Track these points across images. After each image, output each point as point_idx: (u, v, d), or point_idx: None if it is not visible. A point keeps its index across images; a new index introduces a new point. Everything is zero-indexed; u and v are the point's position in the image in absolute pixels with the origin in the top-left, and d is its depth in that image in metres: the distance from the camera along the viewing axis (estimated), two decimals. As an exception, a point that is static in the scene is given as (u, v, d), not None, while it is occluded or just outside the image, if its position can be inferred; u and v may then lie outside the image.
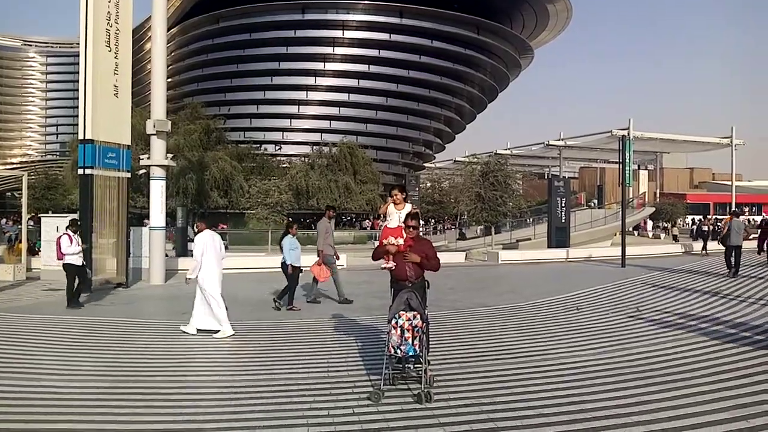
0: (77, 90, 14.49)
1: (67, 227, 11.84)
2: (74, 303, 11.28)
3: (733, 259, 15.22)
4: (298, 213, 52.07)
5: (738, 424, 4.62)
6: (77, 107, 14.50)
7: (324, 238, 11.51)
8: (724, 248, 15.82)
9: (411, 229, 5.83)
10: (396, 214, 6.53)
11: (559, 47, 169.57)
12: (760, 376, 5.99)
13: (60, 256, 11.47)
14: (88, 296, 12.84)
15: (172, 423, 4.83)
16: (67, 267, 11.43)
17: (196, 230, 9.17)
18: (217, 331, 8.44)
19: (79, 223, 12.16)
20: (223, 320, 8.49)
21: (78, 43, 14.25)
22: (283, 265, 11.04)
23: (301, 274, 11.18)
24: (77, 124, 14.35)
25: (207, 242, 8.66)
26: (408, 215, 6.02)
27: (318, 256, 11.48)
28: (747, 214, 54.92)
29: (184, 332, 8.58)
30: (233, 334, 8.38)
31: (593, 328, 8.71)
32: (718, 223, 29.42)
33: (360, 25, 73.58)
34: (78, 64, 14.32)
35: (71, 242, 11.43)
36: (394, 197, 6.68)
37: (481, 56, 78.01)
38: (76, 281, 11.46)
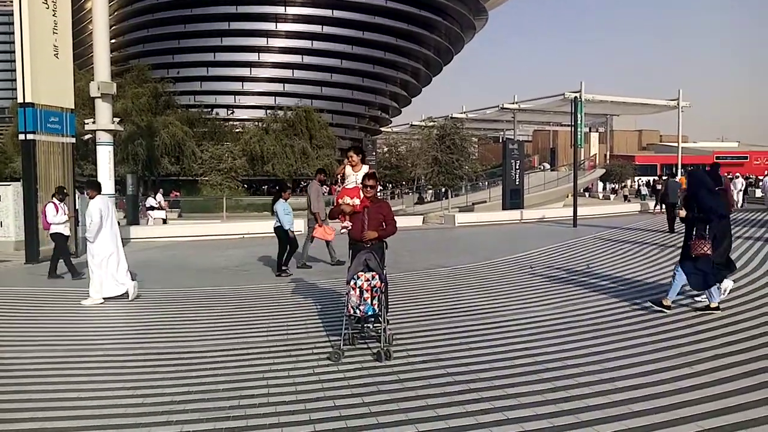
0: (14, 52, 13.72)
1: (53, 195, 11.29)
2: (54, 274, 10.81)
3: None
4: (253, 179, 51.35)
5: (682, 370, 4.88)
6: (15, 70, 13.75)
7: (317, 201, 11.37)
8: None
9: (368, 189, 5.81)
10: (353, 176, 6.53)
11: (512, 10, 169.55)
12: (701, 326, 6.33)
13: (46, 225, 10.95)
14: (35, 266, 12.46)
15: (132, 389, 4.78)
16: (56, 237, 10.90)
17: (88, 197, 8.91)
18: (121, 296, 8.51)
19: (65, 190, 11.58)
20: (95, 287, 8.46)
21: (12, 1, 13.43)
22: (278, 229, 10.86)
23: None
24: (16, 89, 13.64)
25: (102, 207, 8.54)
26: (365, 175, 6.00)
27: (317, 220, 11.13)
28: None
29: (86, 306, 8.35)
30: (102, 303, 8.39)
31: (545, 286, 8.97)
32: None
33: (312, -17, 71.72)
34: (13, 24, 13.52)
35: (57, 211, 10.85)
36: (350, 159, 6.67)
37: (436, 17, 77.42)
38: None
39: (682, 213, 7.07)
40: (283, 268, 10.74)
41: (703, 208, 6.76)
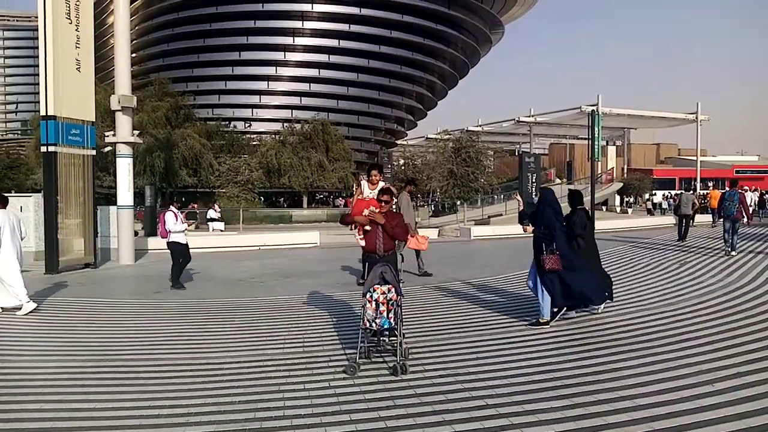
0: (37, 66, 13.99)
1: (170, 203, 11.18)
2: (178, 284, 10.65)
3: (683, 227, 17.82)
4: (270, 191, 51.69)
5: (702, 388, 4.78)
6: (38, 84, 14.02)
7: (408, 211, 11.07)
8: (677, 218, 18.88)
9: (383, 204, 5.90)
10: (371, 194, 6.62)
11: (529, 23, 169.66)
12: (721, 343, 6.20)
13: (164, 233, 10.70)
14: (54, 276, 12.60)
15: (147, 401, 4.79)
16: (172, 245, 10.73)
17: None
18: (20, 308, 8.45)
19: (183, 200, 11.57)
20: (21, 296, 8.45)
21: (36, 17, 13.72)
22: None
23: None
24: (39, 102, 13.89)
25: (5, 219, 8.49)
26: (381, 190, 6.16)
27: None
28: (712, 188, 56.21)
29: None
30: (37, 307, 8.48)
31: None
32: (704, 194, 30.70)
33: (329, -1, 72.45)
34: (37, 38, 13.81)
35: (176, 219, 10.69)
36: (373, 177, 6.82)
37: (452, 31, 77.71)
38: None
39: (528, 228, 7.34)
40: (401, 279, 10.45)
41: (546, 225, 7.02)
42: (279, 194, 54.04)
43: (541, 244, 7.01)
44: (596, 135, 21.12)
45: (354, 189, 7.89)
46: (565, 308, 7.30)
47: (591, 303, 7.35)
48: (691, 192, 22.26)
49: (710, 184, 57.43)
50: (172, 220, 10.64)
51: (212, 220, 26.90)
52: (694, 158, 53.73)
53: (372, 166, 7.36)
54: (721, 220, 15.06)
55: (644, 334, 6.62)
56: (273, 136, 54.02)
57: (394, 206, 6.51)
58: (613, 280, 10.44)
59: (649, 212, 42.00)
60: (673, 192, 42.76)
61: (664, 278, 10.63)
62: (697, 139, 52.69)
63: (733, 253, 13.57)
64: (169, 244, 10.81)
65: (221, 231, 25.25)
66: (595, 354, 5.87)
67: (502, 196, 39.50)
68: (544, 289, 7.04)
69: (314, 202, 57.27)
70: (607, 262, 13.12)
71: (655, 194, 49.35)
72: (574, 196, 7.94)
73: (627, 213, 44.28)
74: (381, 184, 6.63)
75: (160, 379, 5.40)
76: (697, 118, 52.49)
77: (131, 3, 21.43)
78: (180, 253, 10.80)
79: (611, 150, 58.73)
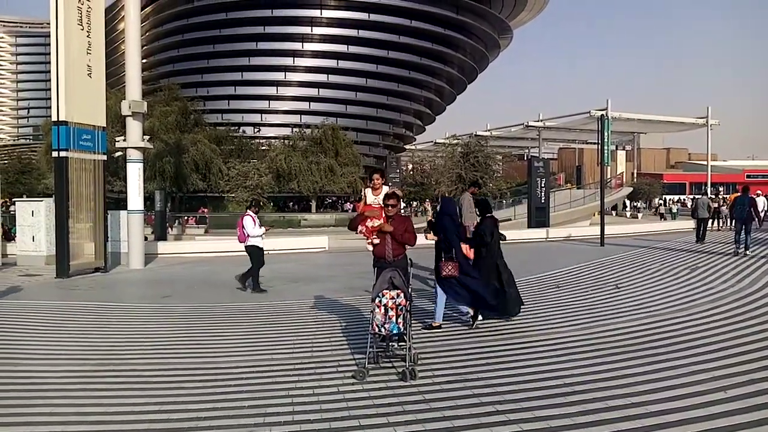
0: (49, 72, 14.12)
1: (248, 208, 11.22)
2: (258, 287, 10.66)
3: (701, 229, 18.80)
4: (279, 196, 51.81)
5: (715, 395, 4.73)
6: (50, 89, 14.14)
7: (469, 213, 10.82)
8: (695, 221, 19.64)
9: (389, 207, 5.97)
10: (375, 200, 6.62)
11: (537, 27, 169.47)
12: (734, 349, 6.13)
13: (243, 238, 10.73)
14: (65, 281, 12.68)
15: (157, 405, 4.80)
16: (251, 249, 10.74)
17: None
18: None
19: (261, 204, 11.56)
20: None
21: (48, 23, 13.86)
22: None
23: None
24: (50, 107, 14.02)
25: None
26: (386, 195, 6.23)
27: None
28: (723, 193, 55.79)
29: None
30: None
31: (573, 305, 8.82)
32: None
33: (338, 4, 72.64)
34: (49, 44, 13.93)
35: (255, 223, 10.72)
36: (375, 181, 6.83)
37: (460, 36, 77.64)
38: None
39: (430, 236, 7.43)
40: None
41: (445, 234, 7.13)
42: (288, 199, 54.12)
43: (441, 252, 7.17)
44: (605, 139, 21.06)
45: (362, 194, 7.89)
46: (480, 317, 7.43)
47: (489, 308, 7.34)
48: (707, 196, 22.74)
49: (720, 188, 57.05)
50: (251, 224, 10.69)
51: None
52: (705, 163, 53.37)
53: (373, 170, 7.39)
54: (734, 222, 16.15)
55: (656, 340, 6.56)
56: (282, 140, 54.19)
57: (402, 210, 6.58)
58: (620, 285, 10.37)
59: (661, 217, 41.71)
60: (682, 197, 42.53)
61: (675, 283, 10.54)
62: (708, 144, 52.36)
63: (747, 252, 14.16)
64: (247, 247, 10.83)
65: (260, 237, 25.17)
66: (606, 360, 5.82)
67: (510, 201, 39.38)
68: (440, 293, 7.24)
69: (323, 206, 57.34)
70: (616, 267, 13.04)
71: (672, 199, 49.10)
72: (482, 205, 8.16)
73: (637, 218, 44.01)
74: (385, 188, 6.63)
75: (169, 384, 5.41)
76: (707, 122, 52.19)
77: (142, 10, 21.63)
78: (258, 256, 10.82)
79: (621, 154, 58.41)
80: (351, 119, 72.68)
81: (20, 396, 5.10)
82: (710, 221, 22.29)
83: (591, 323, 7.52)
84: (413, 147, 79.59)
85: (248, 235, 10.66)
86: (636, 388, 4.92)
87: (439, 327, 7.29)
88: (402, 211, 6.94)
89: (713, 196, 32.13)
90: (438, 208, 7.96)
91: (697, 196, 25.80)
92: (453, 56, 79.50)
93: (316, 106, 73.38)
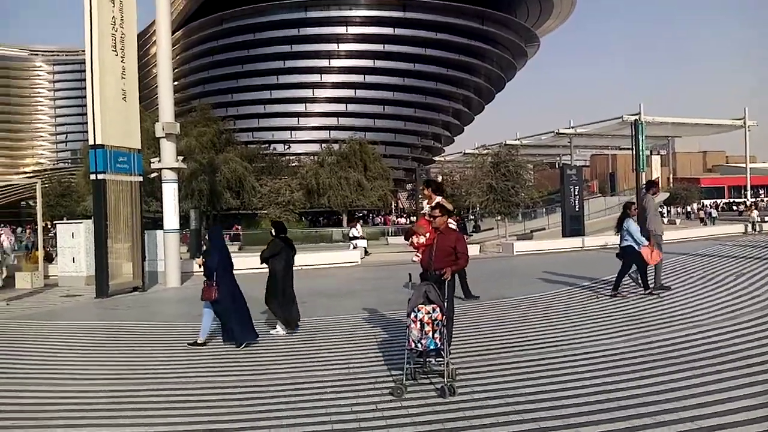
0: (85, 97, 14.52)
1: (356, 220, 11.30)
2: (471, 295, 10.60)
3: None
4: (310, 211, 52.19)
5: (765, 410, 4.50)
6: (86, 114, 14.54)
7: (654, 216, 10.52)
8: None
9: (434, 219, 6.12)
10: (428, 209, 6.73)
11: (565, 34, 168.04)
12: (790, 358, 5.86)
13: None
14: (104, 301, 12.91)
15: (196, 424, 4.80)
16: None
17: None
18: None
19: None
20: None
21: (84, 51, 14.27)
22: (628, 249, 10.09)
23: None
24: (87, 131, 14.40)
25: None
26: (432, 206, 6.35)
27: (648, 239, 10.13)
28: (763, 196, 54.12)
29: None
30: None
31: (615, 316, 8.59)
32: None
33: (363, 20, 73.47)
34: (84, 71, 14.34)
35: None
36: (424, 192, 7.10)
37: (486, 46, 77.60)
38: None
39: (200, 261, 8.06)
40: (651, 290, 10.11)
41: (212, 260, 7.77)
42: (319, 214, 54.48)
43: (211, 275, 7.74)
44: (640, 144, 20.63)
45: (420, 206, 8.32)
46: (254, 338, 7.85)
47: (234, 338, 7.69)
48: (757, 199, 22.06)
49: (761, 191, 55.32)
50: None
51: (355, 237, 27.09)
52: (743, 165, 51.89)
53: (425, 182, 7.80)
54: None
55: (703, 351, 6.32)
56: (312, 157, 54.68)
57: (452, 223, 6.60)
58: (658, 294, 10.05)
59: (702, 222, 40.63)
60: (721, 201, 41.40)
61: (720, 291, 10.19)
62: (746, 146, 50.95)
63: None
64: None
65: (365, 249, 25.12)
66: (653, 373, 5.61)
67: (543, 210, 38.89)
68: (205, 313, 7.87)
69: (353, 220, 57.56)
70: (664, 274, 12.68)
71: (715, 202, 47.83)
72: (276, 226, 9.05)
73: (675, 223, 42.96)
74: (438, 199, 6.76)
75: (207, 402, 5.41)
76: (744, 123, 50.82)
77: (172, 34, 22.14)
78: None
79: (655, 159, 57.25)
80: (379, 133, 73.02)
81: (63, 417, 5.16)
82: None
83: (635, 334, 7.29)
84: (442, 158, 79.44)
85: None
86: (686, 402, 4.73)
87: (204, 344, 7.73)
88: (454, 224, 6.96)
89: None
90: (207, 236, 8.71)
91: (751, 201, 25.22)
92: (480, 66, 79.46)
93: (344, 121, 74.05)
